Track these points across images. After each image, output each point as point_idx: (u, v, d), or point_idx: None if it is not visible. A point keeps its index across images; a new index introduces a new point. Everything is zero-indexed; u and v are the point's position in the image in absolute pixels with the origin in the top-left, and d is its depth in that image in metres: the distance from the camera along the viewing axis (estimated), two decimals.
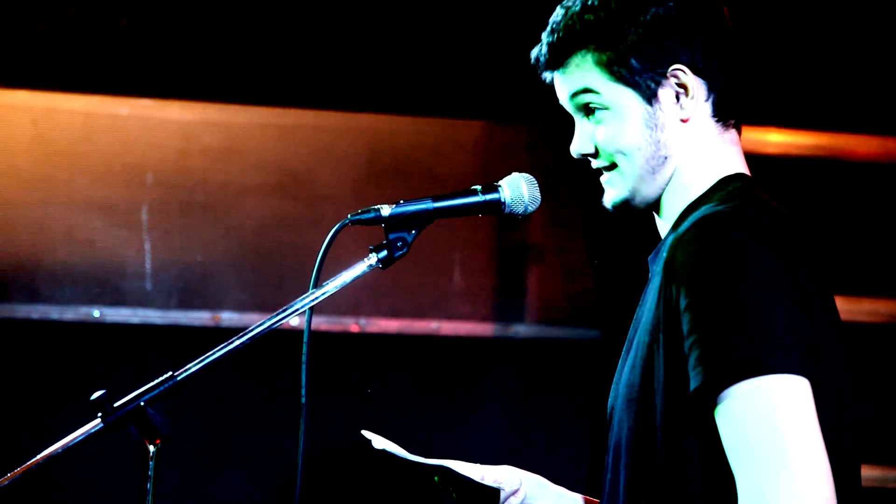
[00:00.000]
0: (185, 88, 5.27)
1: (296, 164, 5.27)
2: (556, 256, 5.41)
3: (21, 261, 5.07)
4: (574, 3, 2.39)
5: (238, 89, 5.31)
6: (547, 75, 2.44)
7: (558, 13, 2.40)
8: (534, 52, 2.43)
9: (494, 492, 2.45)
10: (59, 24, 5.21)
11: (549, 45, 2.39)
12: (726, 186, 2.34)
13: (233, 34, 5.28)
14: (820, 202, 5.29)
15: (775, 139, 5.33)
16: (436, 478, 2.45)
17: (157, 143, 5.17)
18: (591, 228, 5.29)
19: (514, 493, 2.50)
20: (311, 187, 5.24)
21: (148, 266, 5.14)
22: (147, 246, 5.15)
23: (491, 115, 5.30)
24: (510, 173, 2.45)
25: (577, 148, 2.43)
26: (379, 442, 2.43)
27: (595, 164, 2.43)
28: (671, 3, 2.34)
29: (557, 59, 2.39)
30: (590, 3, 2.36)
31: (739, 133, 2.44)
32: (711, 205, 2.28)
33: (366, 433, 2.43)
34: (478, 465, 2.51)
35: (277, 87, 5.33)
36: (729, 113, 2.39)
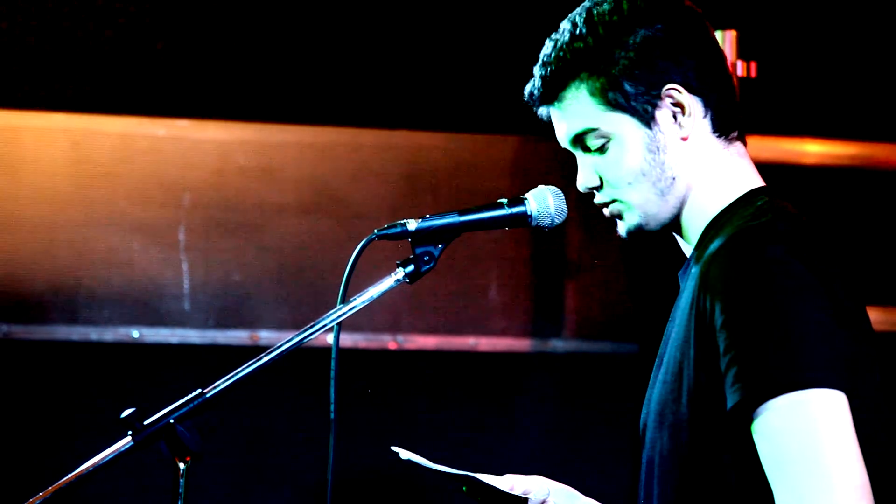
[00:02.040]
0: (221, 109, 5.30)
1: (332, 182, 5.28)
2: (593, 271, 5.40)
3: (60, 282, 5.10)
4: (562, 34, 2.37)
5: (274, 108, 5.33)
6: (542, 111, 2.42)
7: (548, 46, 2.39)
8: (527, 88, 2.42)
9: (522, 501, 2.44)
10: (96, 48, 5.26)
11: (542, 78, 2.38)
12: (754, 201, 2.33)
13: (268, 54, 5.31)
14: (858, 212, 5.25)
15: (813, 150, 5.30)
16: (464, 487, 2.45)
17: (194, 163, 5.20)
18: (627, 242, 5.28)
19: (542, 503, 2.48)
20: (348, 205, 5.25)
21: (186, 286, 5.16)
22: (185, 266, 5.17)
23: (526, 130, 5.31)
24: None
25: (584, 182, 2.41)
26: (406, 454, 2.43)
27: (597, 198, 2.41)
28: (659, 25, 2.33)
29: (552, 92, 2.38)
30: (577, 31, 2.34)
31: (745, 144, 2.42)
32: (743, 220, 2.27)
33: (395, 448, 2.43)
34: (507, 475, 2.50)
35: (313, 105, 5.34)
36: (729, 126, 2.38)
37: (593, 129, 2.36)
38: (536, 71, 2.39)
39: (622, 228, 2.41)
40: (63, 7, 5.31)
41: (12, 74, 5.22)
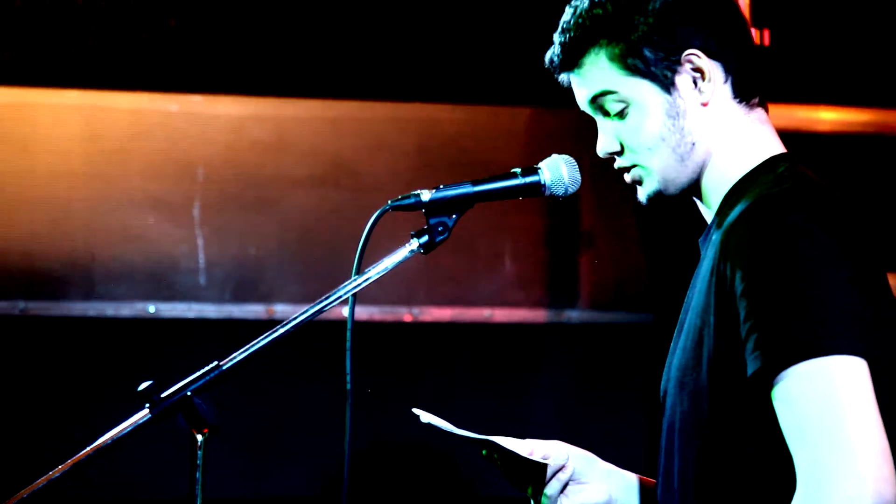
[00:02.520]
0: (234, 83, 5.30)
1: (346, 155, 5.28)
2: (607, 242, 5.40)
3: (76, 258, 5.11)
4: (578, 3, 2.37)
5: (286, 82, 5.33)
6: (563, 77, 2.42)
7: (567, 13, 2.38)
8: (547, 55, 2.41)
9: (541, 466, 2.43)
10: (109, 25, 5.25)
11: (562, 45, 2.38)
12: (776, 168, 2.32)
13: (279, 28, 5.30)
14: (872, 178, 5.25)
15: (827, 117, 5.29)
16: (483, 451, 2.45)
17: (208, 138, 5.20)
18: (642, 212, 5.28)
19: (562, 468, 2.48)
20: (362, 178, 5.25)
21: (201, 261, 5.18)
22: (200, 241, 5.18)
23: (538, 101, 5.30)
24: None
25: (604, 147, 2.41)
26: (426, 417, 2.42)
27: (619, 163, 2.41)
28: None
29: (572, 59, 2.37)
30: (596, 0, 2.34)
31: (766, 111, 2.41)
32: (764, 187, 2.26)
33: (415, 410, 2.43)
34: (528, 439, 2.50)
35: (325, 79, 5.34)
36: (750, 92, 2.37)
37: (612, 92, 2.36)
38: (556, 38, 2.39)
39: (642, 194, 2.41)
40: None
41: (25, 52, 5.23)
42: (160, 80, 5.28)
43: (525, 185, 2.40)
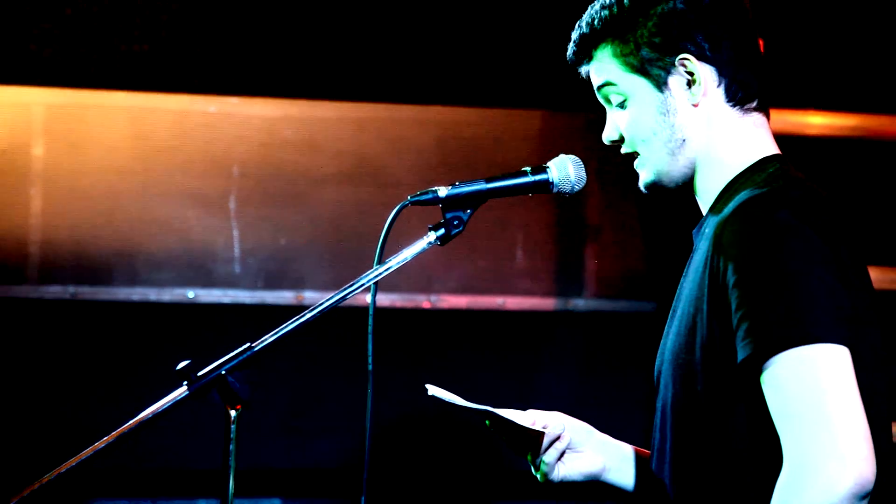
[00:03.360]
0: (268, 86, 5.30)
1: (370, 153, 5.28)
2: (612, 234, 5.39)
3: (122, 247, 5.12)
4: (596, 2, 2.40)
5: (316, 86, 5.33)
6: (582, 70, 2.45)
7: (585, 13, 2.42)
8: (567, 53, 2.45)
9: (538, 435, 2.44)
10: (153, 32, 5.27)
11: (576, 42, 2.41)
12: (766, 168, 2.32)
13: (311, 36, 5.31)
14: (858, 180, 5.23)
15: (816, 121, 5.27)
16: (486, 421, 2.45)
17: (243, 137, 5.21)
18: (644, 207, 5.27)
19: (559, 437, 2.47)
20: (385, 175, 5.25)
21: (236, 250, 5.18)
22: (235, 232, 5.18)
23: (549, 104, 5.30)
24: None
25: (606, 135, 2.44)
26: (434, 390, 2.43)
27: (623, 150, 2.43)
28: None
29: (583, 54, 2.41)
30: (607, 1, 2.37)
31: (767, 116, 2.40)
32: (754, 185, 2.27)
33: (427, 385, 2.44)
34: (529, 410, 2.50)
35: (353, 82, 5.34)
36: (745, 97, 2.36)
37: (613, 84, 2.38)
38: (573, 34, 2.43)
39: (640, 183, 2.43)
40: None
41: (77, 56, 5.24)
42: (200, 83, 5.29)
43: (534, 182, 2.40)
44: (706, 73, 2.33)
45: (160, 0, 5.31)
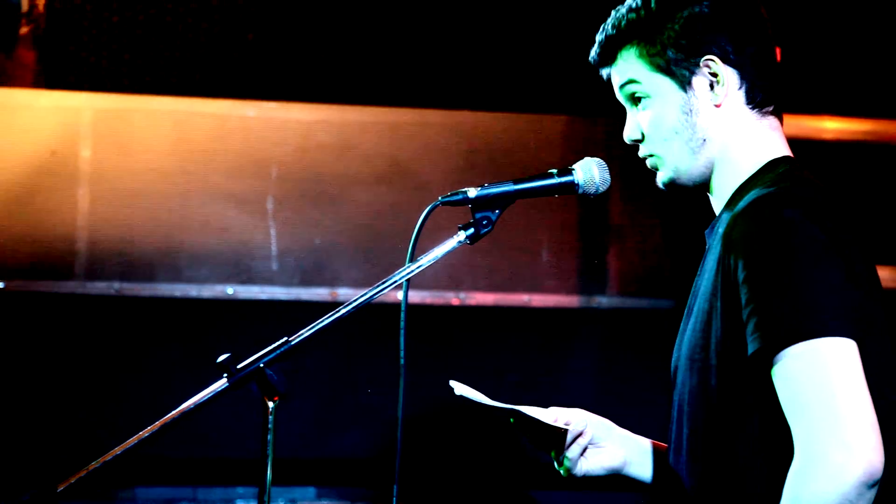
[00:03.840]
0: (304, 92, 5.31)
1: (402, 156, 5.28)
2: (634, 235, 5.38)
3: (165, 246, 5.13)
4: (621, 7, 2.39)
5: (351, 91, 5.34)
6: (603, 72, 2.43)
7: (610, 16, 2.40)
8: (591, 54, 2.43)
9: (561, 432, 2.43)
10: (195, 40, 5.28)
11: (600, 43, 2.40)
12: (776, 168, 2.31)
13: (346, 43, 5.31)
14: (872, 182, 5.20)
15: (831, 126, 5.24)
16: (511, 419, 2.44)
17: (281, 140, 5.21)
18: (663, 209, 5.26)
19: (581, 433, 2.47)
20: (416, 177, 5.25)
21: (274, 249, 5.19)
22: (273, 231, 5.19)
23: (574, 110, 5.29)
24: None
25: (628, 134, 2.42)
26: (460, 389, 2.42)
27: (641, 151, 2.41)
28: (706, 2, 2.33)
29: (608, 56, 2.40)
30: (634, 5, 2.36)
31: (781, 121, 2.39)
32: (764, 185, 2.25)
33: (452, 382, 2.43)
34: (552, 408, 2.49)
35: (385, 88, 5.35)
36: (763, 101, 2.35)
37: (637, 82, 2.37)
38: (597, 37, 2.42)
39: (658, 180, 2.41)
40: (166, 3, 5.34)
41: (123, 63, 5.26)
42: (240, 89, 5.30)
43: (560, 184, 2.39)
44: (729, 75, 2.32)
45: (202, 9, 5.33)
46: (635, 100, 2.39)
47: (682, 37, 2.32)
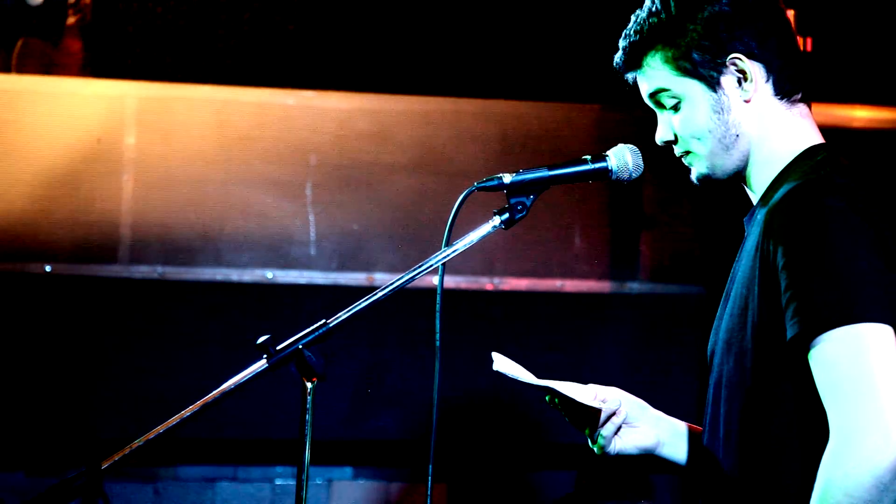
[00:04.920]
0: (343, 81, 5.32)
1: (438, 145, 5.27)
2: (665, 222, 5.35)
3: (206, 231, 5.15)
4: (642, 11, 2.35)
5: (388, 81, 5.33)
6: (629, 76, 2.40)
7: (631, 21, 2.37)
8: (615, 60, 2.40)
9: (596, 411, 2.41)
10: (236, 30, 5.29)
11: (624, 50, 2.36)
12: (814, 156, 2.28)
13: (383, 35, 5.31)
14: None
15: (861, 115, 5.20)
16: (546, 397, 2.42)
17: (319, 128, 5.21)
18: (695, 198, 5.23)
19: (615, 412, 2.44)
20: (451, 165, 5.24)
21: (312, 234, 5.19)
22: (311, 217, 5.19)
23: (606, 99, 5.26)
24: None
25: (660, 136, 2.39)
26: (499, 363, 2.40)
27: (676, 150, 2.39)
28: (725, 1, 2.29)
29: (633, 62, 2.36)
30: (654, 9, 2.33)
31: (809, 107, 2.36)
32: (803, 173, 2.23)
33: (494, 354, 2.41)
34: (589, 384, 2.47)
35: (422, 77, 5.34)
36: (791, 90, 2.32)
37: (666, 90, 2.33)
38: (620, 43, 2.38)
39: (693, 176, 2.39)
40: None
41: (166, 52, 5.28)
42: (279, 78, 5.31)
43: (594, 170, 2.37)
44: (756, 70, 2.29)
45: (242, 1, 5.33)
46: (667, 105, 2.35)
47: (706, 38, 2.29)
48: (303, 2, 5.36)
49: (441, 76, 5.37)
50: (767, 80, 2.30)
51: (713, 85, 2.30)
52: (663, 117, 2.37)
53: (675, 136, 2.36)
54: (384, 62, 5.36)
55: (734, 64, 2.29)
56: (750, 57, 2.28)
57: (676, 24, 2.29)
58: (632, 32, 2.34)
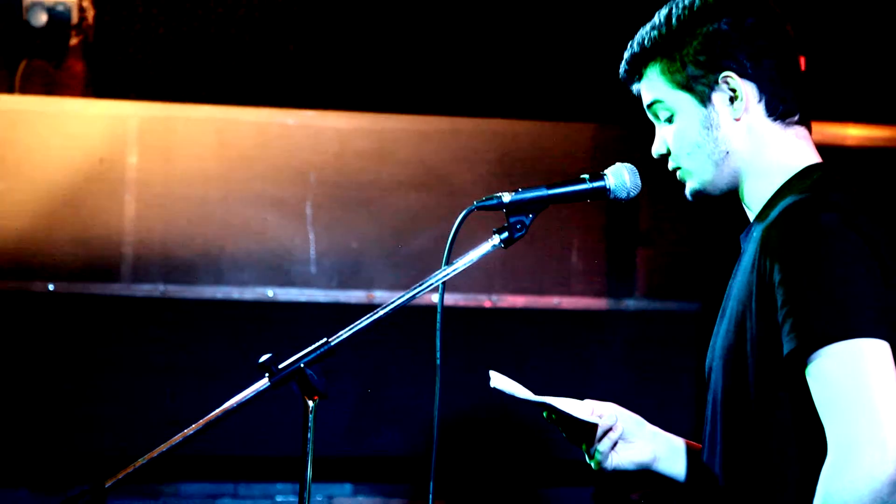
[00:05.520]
0: (342, 100, 5.32)
1: (436, 163, 5.27)
2: (661, 239, 5.35)
3: (207, 249, 5.15)
4: (648, 24, 2.37)
5: (386, 100, 5.34)
6: (633, 88, 2.41)
7: (637, 34, 2.39)
8: (620, 71, 2.42)
9: (592, 426, 2.40)
10: (237, 50, 5.30)
11: (627, 61, 2.39)
12: (811, 175, 2.28)
13: (380, 55, 5.32)
14: (894, 188, 5.16)
15: (854, 133, 5.21)
16: (544, 413, 2.42)
17: (319, 147, 5.21)
18: (690, 216, 5.23)
19: (612, 428, 2.44)
20: (449, 183, 5.24)
21: (312, 252, 5.19)
22: (311, 236, 5.19)
23: (603, 119, 5.27)
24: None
25: (655, 149, 2.41)
26: (496, 380, 2.40)
27: (669, 164, 2.40)
28: (726, 20, 2.30)
29: (634, 72, 2.38)
30: (657, 23, 2.35)
31: (809, 129, 2.36)
32: (800, 191, 2.23)
33: (492, 373, 2.41)
34: (586, 400, 2.47)
35: (419, 97, 5.34)
36: (785, 112, 2.32)
37: (661, 102, 2.35)
38: (625, 54, 2.40)
39: (686, 191, 2.39)
40: (210, 15, 5.36)
41: (167, 71, 5.28)
42: (279, 97, 5.31)
43: (593, 189, 2.37)
44: (748, 90, 2.30)
45: (244, 22, 5.34)
46: (661, 116, 2.37)
47: (701, 53, 2.30)
48: (303, 23, 5.37)
49: (439, 95, 5.38)
50: (760, 101, 2.31)
51: (704, 101, 2.31)
52: (659, 130, 2.39)
53: (668, 150, 2.36)
54: (383, 82, 5.37)
55: (726, 82, 2.29)
56: (742, 76, 2.29)
57: (676, 38, 2.31)
58: (635, 44, 2.36)
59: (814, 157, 2.34)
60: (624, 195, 2.37)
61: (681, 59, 2.30)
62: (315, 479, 2.19)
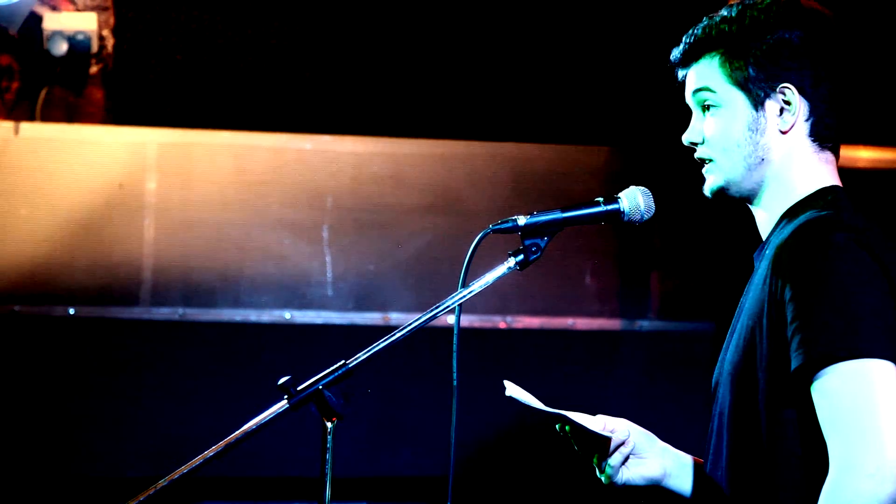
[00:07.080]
0: (358, 125, 5.33)
1: (451, 187, 5.28)
2: (675, 260, 5.34)
3: (226, 273, 5.15)
4: (716, 15, 2.36)
5: (402, 125, 5.35)
6: (680, 72, 2.40)
7: (700, 22, 2.38)
8: (672, 52, 2.40)
9: (605, 439, 2.41)
10: (254, 76, 5.32)
11: (686, 44, 2.37)
12: (826, 196, 2.29)
13: (397, 80, 5.33)
14: None
15: (865, 155, 5.20)
16: (557, 425, 2.43)
17: (335, 171, 5.22)
18: (704, 237, 5.22)
19: (623, 442, 2.44)
20: (464, 206, 5.24)
21: (329, 275, 5.19)
22: (328, 259, 5.20)
23: (616, 142, 5.26)
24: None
25: (688, 136, 2.39)
26: (511, 390, 2.41)
27: (697, 153, 2.38)
28: (798, 32, 2.30)
29: (690, 57, 2.36)
30: (729, 16, 2.33)
31: (837, 156, 2.36)
32: (813, 211, 2.24)
33: (506, 382, 2.41)
34: (598, 415, 2.47)
35: (434, 121, 5.35)
36: (825, 136, 2.32)
37: (712, 91, 2.34)
38: (684, 38, 2.39)
39: (707, 187, 2.38)
40: (227, 43, 5.39)
41: (185, 99, 5.31)
42: (297, 123, 5.33)
43: (607, 212, 2.38)
44: (801, 106, 2.30)
45: (261, 49, 5.37)
46: (705, 106, 2.36)
47: (766, 58, 2.29)
48: (319, 50, 5.39)
49: (454, 120, 5.39)
50: (808, 120, 2.31)
51: (757, 103, 2.30)
52: (697, 120, 2.37)
53: (703, 139, 2.35)
54: (398, 107, 5.38)
55: (783, 93, 2.29)
56: (800, 91, 2.29)
57: (746, 36, 2.30)
58: (700, 30, 2.35)
59: (832, 180, 2.34)
60: (637, 218, 2.38)
61: (745, 58, 2.29)
62: (333, 499, 2.19)
